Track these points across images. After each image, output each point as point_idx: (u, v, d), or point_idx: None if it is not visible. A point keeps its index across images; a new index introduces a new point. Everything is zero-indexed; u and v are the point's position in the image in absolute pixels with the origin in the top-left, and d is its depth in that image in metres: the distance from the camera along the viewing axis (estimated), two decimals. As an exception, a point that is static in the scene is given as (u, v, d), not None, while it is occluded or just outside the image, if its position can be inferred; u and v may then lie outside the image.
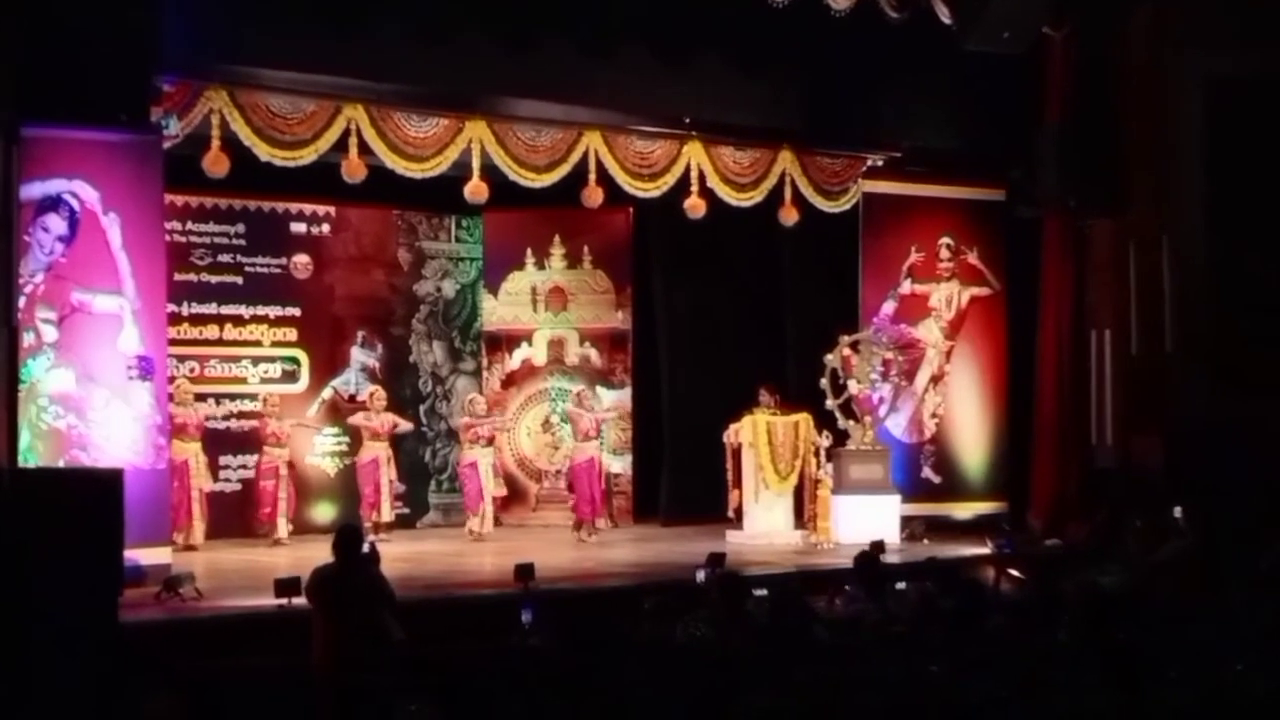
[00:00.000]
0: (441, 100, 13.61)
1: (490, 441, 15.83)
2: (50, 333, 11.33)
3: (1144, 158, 14.94)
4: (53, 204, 11.36)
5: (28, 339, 11.04)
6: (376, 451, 15.44)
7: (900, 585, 10.34)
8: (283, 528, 14.85)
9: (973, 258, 16.15)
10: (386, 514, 15.34)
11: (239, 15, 11.90)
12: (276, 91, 12.84)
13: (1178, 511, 11.75)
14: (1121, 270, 15.05)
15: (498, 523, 15.94)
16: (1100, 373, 15.38)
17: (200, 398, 15.02)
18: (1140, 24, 14.85)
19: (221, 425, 15.35)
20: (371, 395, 15.73)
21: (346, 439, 16.21)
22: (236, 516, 15.37)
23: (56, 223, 11.38)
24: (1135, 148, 14.95)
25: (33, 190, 11.10)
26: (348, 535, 8.99)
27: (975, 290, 16.17)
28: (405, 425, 15.97)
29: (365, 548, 9.17)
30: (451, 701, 6.76)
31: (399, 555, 12.94)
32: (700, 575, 11.28)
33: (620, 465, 16.79)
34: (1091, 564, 11.39)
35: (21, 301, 10.77)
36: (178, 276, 14.74)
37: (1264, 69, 14.41)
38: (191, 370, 15.31)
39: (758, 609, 8.82)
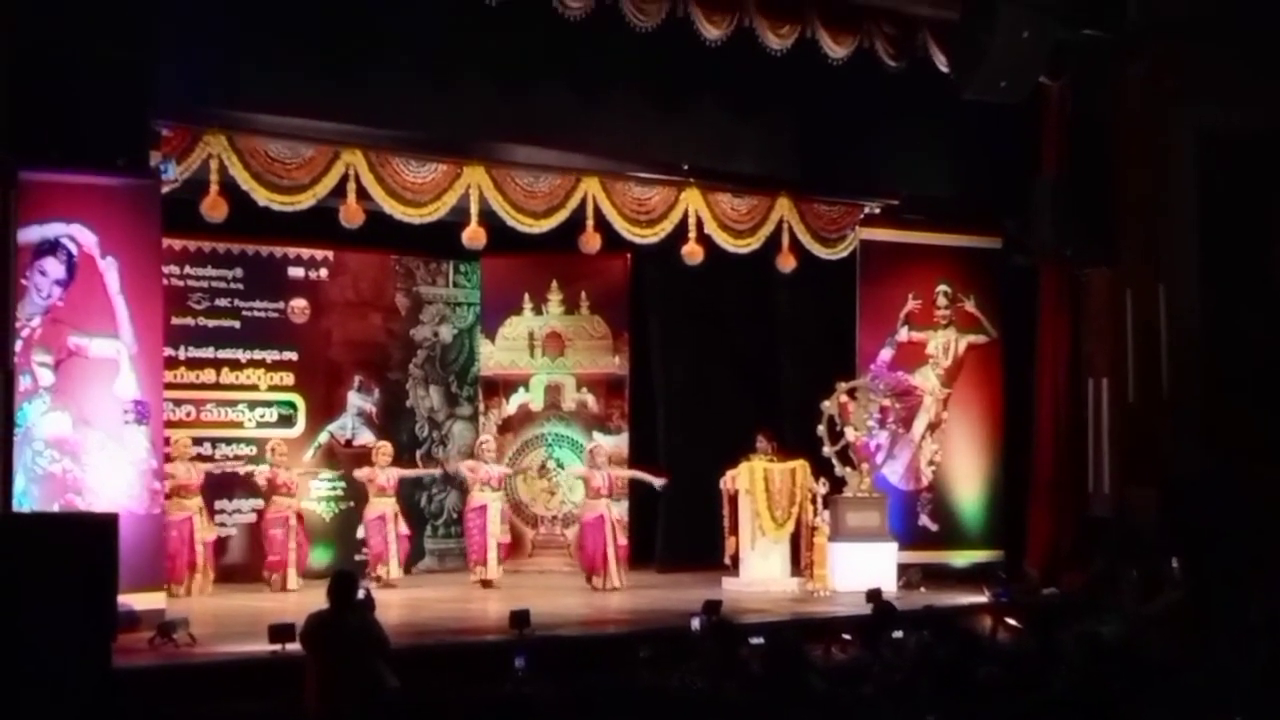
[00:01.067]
0: (439, 146, 13.65)
1: (499, 485, 15.79)
2: (46, 376, 11.31)
3: (1139, 209, 14.96)
4: (50, 248, 11.36)
5: (24, 382, 11.03)
6: (384, 508, 15.39)
7: (897, 634, 10.31)
8: (293, 578, 14.77)
9: (970, 305, 16.15)
10: (395, 571, 15.27)
11: (237, 60, 11.96)
12: (275, 136, 12.89)
13: (1174, 562, 11.74)
14: (1118, 319, 15.04)
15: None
16: (1097, 421, 15.35)
17: (198, 446, 15.00)
18: (1135, 77, 14.90)
19: (217, 469, 15.25)
20: (377, 450, 15.65)
21: (343, 484, 16.18)
22: (235, 562, 15.34)
23: (54, 266, 11.39)
24: (1130, 199, 14.97)
25: (30, 234, 11.12)
26: (342, 581, 8.95)
27: (972, 338, 16.17)
28: (416, 472, 16.01)
29: (360, 594, 9.13)
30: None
31: (394, 602, 12.90)
32: (695, 623, 11.25)
33: (617, 511, 16.77)
34: (1088, 614, 11.37)
35: (18, 345, 10.77)
36: (175, 320, 14.73)
37: (1256, 125, 14.46)
38: (188, 414, 15.29)
39: (753, 657, 8.80)
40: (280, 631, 10.00)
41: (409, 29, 12.44)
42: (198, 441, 15.04)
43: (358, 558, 15.44)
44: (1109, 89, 15.09)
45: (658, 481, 16.01)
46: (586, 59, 13.29)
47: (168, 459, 13.62)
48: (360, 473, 15.61)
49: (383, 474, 15.46)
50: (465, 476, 15.98)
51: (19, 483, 10.90)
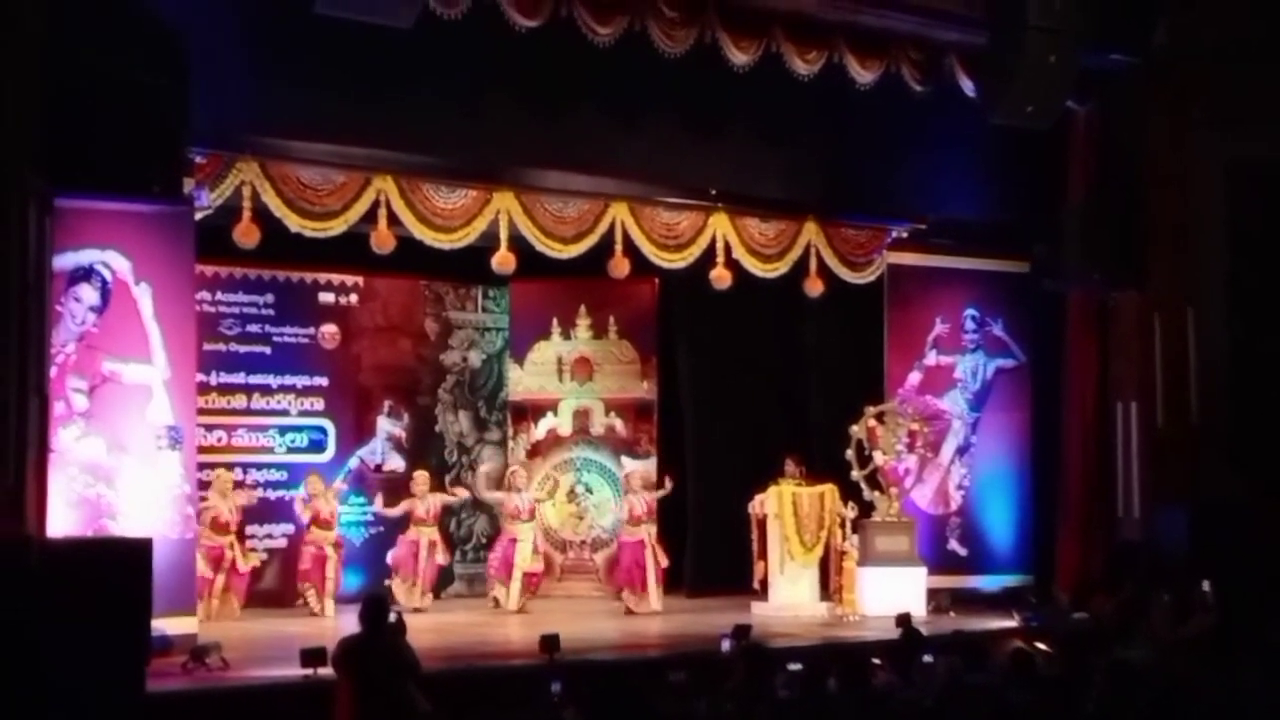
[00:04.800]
0: (470, 171, 13.72)
1: (531, 516, 15.83)
2: (81, 402, 11.42)
3: (1167, 233, 14.94)
4: (85, 274, 11.50)
5: (59, 408, 11.11)
6: (421, 535, 15.49)
7: (927, 658, 10.30)
8: (329, 607, 14.85)
9: (998, 329, 16.15)
10: (420, 598, 15.35)
11: (270, 88, 12.04)
12: (307, 163, 12.99)
13: (1205, 586, 11.70)
14: (1147, 343, 15.02)
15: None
16: (1126, 445, 15.31)
17: (230, 471, 15.10)
18: (1163, 102, 14.91)
19: (249, 501, 15.26)
20: (414, 480, 15.74)
21: (372, 509, 16.25)
22: (266, 587, 15.43)
23: (89, 293, 11.50)
24: (1159, 223, 14.95)
25: (65, 260, 11.23)
26: (375, 605, 9.00)
27: (1001, 362, 16.16)
28: (453, 498, 16.09)
29: (392, 618, 9.17)
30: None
31: (424, 626, 12.93)
32: (725, 645, 11.28)
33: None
34: (1118, 639, 11.33)
35: (53, 371, 10.84)
36: (206, 346, 14.83)
37: (1283, 152, 14.49)
38: (219, 439, 15.40)
39: (787, 683, 8.80)
40: (312, 656, 10.02)
41: (440, 55, 12.50)
42: (228, 467, 15.11)
43: (388, 583, 15.47)
44: (1137, 114, 15.10)
45: (666, 485, 16.02)
46: (616, 84, 13.35)
47: (203, 485, 13.74)
48: (398, 509, 15.66)
49: (422, 504, 15.53)
50: (498, 501, 16.04)
51: (54, 507, 10.96)
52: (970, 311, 16.07)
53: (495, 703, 9.47)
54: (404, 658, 8.90)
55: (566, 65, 13.06)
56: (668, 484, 15.97)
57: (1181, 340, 14.71)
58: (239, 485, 15.10)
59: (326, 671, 9.46)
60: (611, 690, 7.21)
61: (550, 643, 11.20)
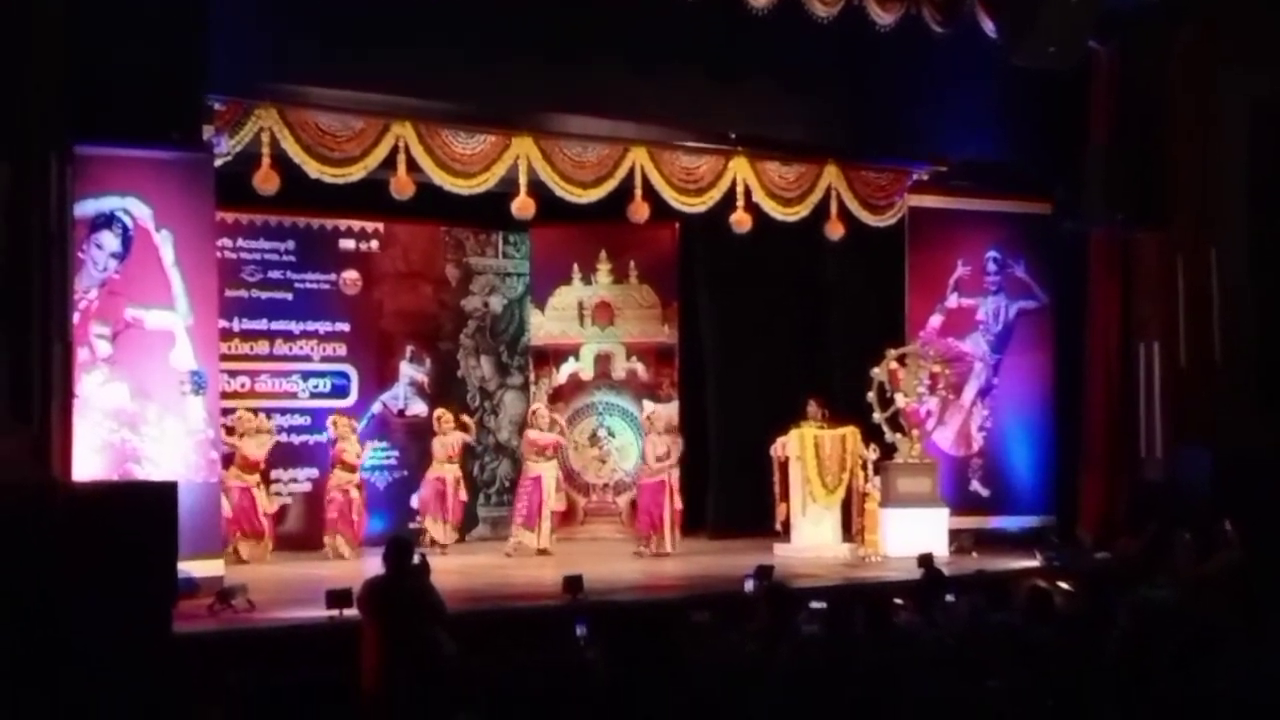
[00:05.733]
0: (489, 117, 13.71)
1: (554, 455, 15.87)
2: (104, 348, 11.48)
3: (1190, 173, 14.84)
4: (106, 221, 11.53)
5: (82, 354, 11.16)
6: (444, 472, 15.56)
7: (949, 598, 10.34)
8: (348, 548, 14.92)
9: (1020, 271, 16.11)
10: (449, 535, 15.46)
11: (288, 34, 12.04)
12: (326, 109, 12.99)
13: (1227, 524, 11.70)
14: (1169, 282, 14.98)
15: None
16: (1149, 385, 15.29)
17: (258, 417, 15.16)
18: (1185, 42, 14.80)
19: (275, 441, 15.35)
20: (439, 419, 15.79)
21: (396, 453, 16.33)
22: (291, 530, 15.52)
23: (110, 240, 11.53)
24: (1181, 163, 14.87)
25: (86, 208, 11.26)
26: (399, 546, 9.04)
27: (1022, 303, 16.12)
28: (470, 436, 16.16)
29: (416, 559, 9.21)
30: (502, 714, 6.80)
31: (448, 567, 13.00)
32: (749, 586, 11.32)
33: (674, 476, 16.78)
34: (1141, 578, 11.35)
35: (76, 318, 10.89)
36: (228, 293, 14.87)
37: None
38: (243, 385, 15.46)
39: (808, 622, 8.83)
40: (338, 597, 10.09)
41: (459, 1, 12.48)
42: (254, 412, 15.17)
43: (412, 525, 15.56)
44: (1159, 54, 14.99)
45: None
46: (635, 29, 13.30)
47: (229, 432, 13.81)
48: (434, 443, 15.72)
49: (446, 440, 15.62)
50: (524, 443, 16.10)
51: (79, 453, 11.03)
52: (992, 253, 16.03)
53: (519, 643, 9.50)
54: (428, 599, 8.94)
55: (586, 9, 13.03)
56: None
57: (1204, 280, 14.66)
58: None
59: (351, 613, 9.52)
60: (635, 631, 7.23)
61: (574, 584, 11.27)
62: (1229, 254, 14.61)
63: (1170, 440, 15.09)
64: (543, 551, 15.31)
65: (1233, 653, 7.50)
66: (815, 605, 9.76)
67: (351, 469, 15.18)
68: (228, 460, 13.91)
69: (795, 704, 6.74)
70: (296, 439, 15.78)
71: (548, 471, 15.67)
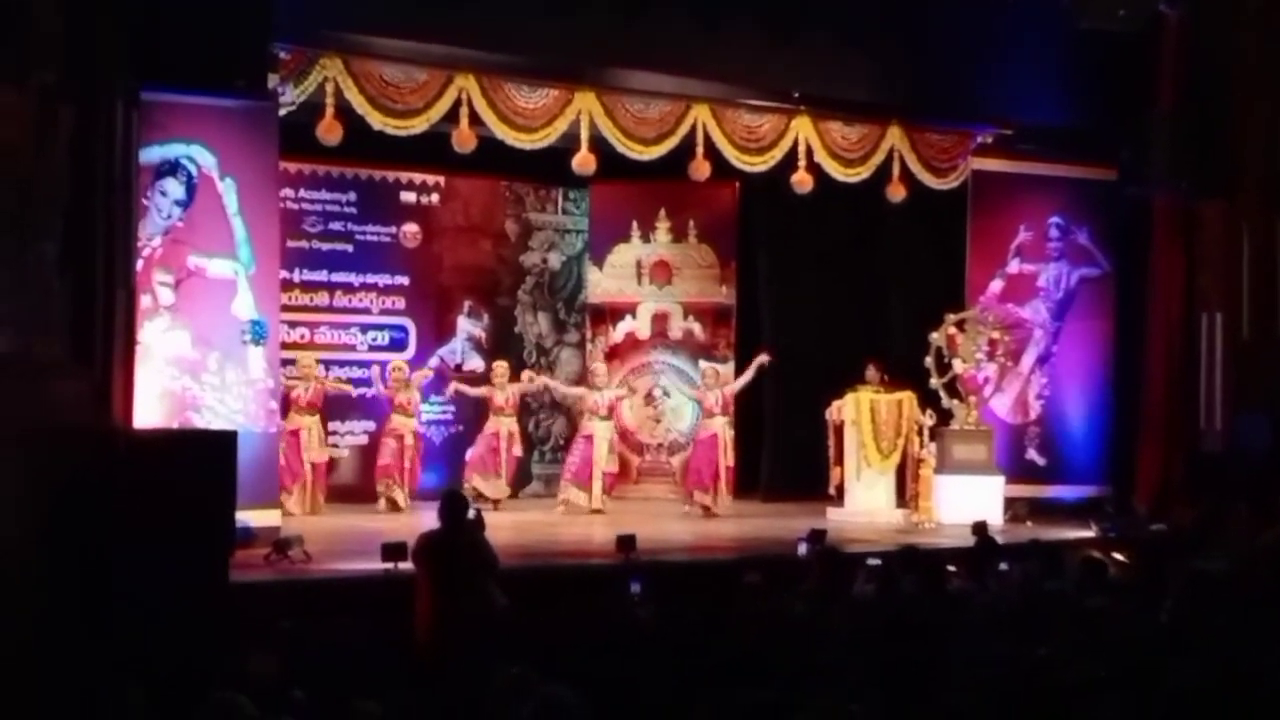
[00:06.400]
0: (552, 71, 13.66)
1: (610, 414, 15.85)
2: (167, 296, 11.55)
3: (1257, 141, 14.69)
4: (170, 168, 11.57)
5: (145, 302, 11.21)
6: (499, 425, 15.60)
7: (1003, 566, 10.31)
8: (402, 498, 15.00)
9: (1082, 238, 15.95)
10: (502, 490, 15.52)
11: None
12: (390, 60, 12.96)
13: (1287, 495, 11.63)
14: (1233, 252, 14.84)
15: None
16: (1210, 356, 15.17)
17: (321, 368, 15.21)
18: (1255, 7, 14.61)
19: (336, 391, 15.42)
20: (494, 370, 15.83)
21: (452, 408, 16.39)
22: (346, 483, 15.60)
23: (174, 187, 11.58)
24: (1248, 131, 14.71)
25: (151, 154, 11.26)
26: (454, 501, 9.07)
27: (1084, 271, 15.97)
28: (531, 385, 16.15)
29: (471, 514, 9.25)
30: (553, 668, 6.83)
31: (501, 524, 13.05)
32: (802, 549, 11.32)
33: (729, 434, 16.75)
34: (1196, 549, 11.29)
35: (139, 265, 10.94)
36: (289, 243, 14.93)
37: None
38: (302, 336, 15.54)
39: (863, 585, 8.84)
40: (393, 550, 10.13)
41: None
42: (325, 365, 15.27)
43: (466, 483, 15.59)
44: (1228, 19, 14.81)
45: (763, 359, 15.88)
46: (699, -14, 13.25)
47: (289, 379, 13.88)
48: (477, 390, 15.76)
49: (500, 393, 15.62)
50: (576, 402, 16.12)
51: (140, 400, 11.10)
52: (1055, 219, 15.88)
53: (572, 601, 9.54)
54: (483, 554, 8.96)
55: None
56: (764, 357, 15.86)
57: (1269, 250, 14.52)
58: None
59: (406, 566, 9.56)
60: (687, 590, 7.24)
61: (626, 543, 11.29)
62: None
63: (1229, 413, 14.97)
64: (596, 511, 15.33)
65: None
66: (871, 562, 9.77)
67: (408, 414, 15.22)
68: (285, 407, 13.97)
69: (847, 664, 6.73)
70: (354, 391, 15.82)
71: (601, 430, 15.67)
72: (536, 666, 5.94)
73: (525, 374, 16.16)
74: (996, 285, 15.71)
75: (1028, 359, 15.84)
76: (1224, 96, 14.81)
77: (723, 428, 15.53)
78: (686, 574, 11.11)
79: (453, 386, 15.97)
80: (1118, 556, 12.85)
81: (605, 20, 13.02)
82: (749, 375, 15.92)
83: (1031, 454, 15.78)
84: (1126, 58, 14.81)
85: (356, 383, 15.79)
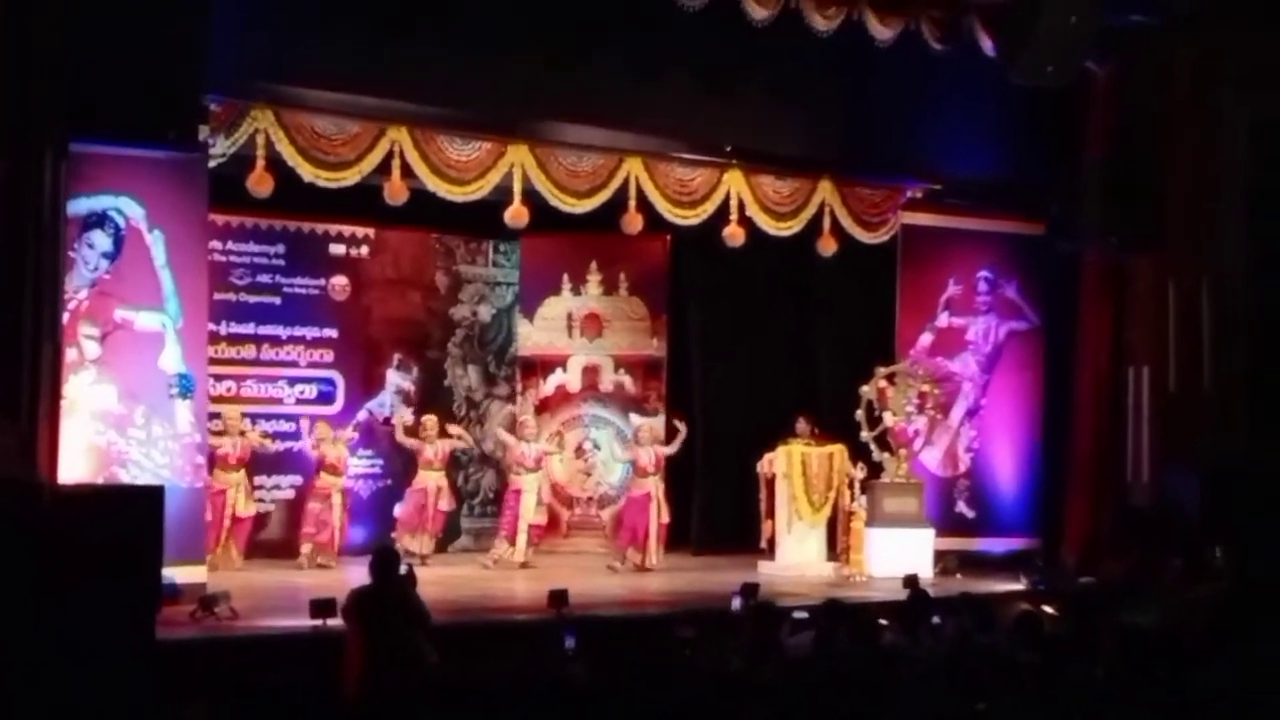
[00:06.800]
0: (485, 124, 13.63)
1: (538, 466, 15.78)
2: (93, 349, 11.39)
3: (1186, 195, 14.87)
4: (98, 220, 11.45)
5: (71, 355, 11.05)
6: (429, 481, 15.51)
7: (935, 620, 10.30)
8: (326, 559, 14.85)
9: (1011, 292, 16.10)
10: (427, 546, 15.40)
11: (286, 36, 11.98)
12: (321, 112, 12.90)
13: (1218, 552, 11.69)
14: (1161, 307, 14.99)
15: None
16: (1137, 409, 15.30)
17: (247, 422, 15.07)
18: (1185, 62, 14.82)
19: (263, 448, 15.20)
20: (422, 424, 15.73)
21: (380, 462, 16.27)
22: (272, 538, 15.43)
23: (101, 239, 11.46)
24: (1177, 185, 14.88)
25: (79, 206, 11.15)
26: (385, 556, 9.03)
27: (1013, 324, 16.11)
28: (460, 444, 16.04)
29: (402, 569, 9.17)
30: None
31: (430, 579, 12.94)
32: (735, 603, 11.28)
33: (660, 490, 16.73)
34: (1126, 602, 11.33)
35: (65, 317, 10.81)
36: (217, 296, 14.69)
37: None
38: (228, 390, 15.38)
39: (795, 639, 8.80)
40: (322, 606, 10.03)
41: (456, 6, 12.46)
42: (242, 415, 15.09)
43: (394, 535, 15.45)
44: (1157, 74, 15.00)
45: (681, 428, 15.88)
46: (633, 38, 13.27)
47: (215, 434, 13.72)
48: (409, 442, 15.66)
49: (430, 447, 15.53)
50: (505, 446, 16.01)
51: (65, 454, 10.95)
52: (984, 273, 16.03)
53: (503, 656, 9.46)
54: (414, 609, 8.91)
55: (583, 17, 12.98)
56: (682, 428, 15.86)
57: (1196, 305, 14.68)
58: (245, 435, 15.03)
59: (336, 622, 9.47)
60: (620, 644, 7.19)
61: (559, 597, 11.22)
62: (1224, 277, 14.63)
63: (1157, 466, 15.09)
64: (523, 565, 15.24)
65: (1218, 679, 7.50)
66: (799, 615, 9.75)
67: (336, 472, 15.11)
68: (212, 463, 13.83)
69: (782, 718, 6.71)
70: (280, 445, 15.66)
71: (529, 483, 15.59)
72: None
73: (454, 429, 16.03)
74: (926, 339, 15.80)
75: (957, 412, 15.93)
76: (1152, 151, 14.97)
77: (655, 485, 15.49)
78: (620, 628, 11.04)
79: (399, 436, 15.81)
80: (1047, 609, 12.88)
81: (538, 73, 13.03)
82: (676, 445, 15.92)
83: (961, 507, 15.84)
84: (1056, 112, 14.95)
85: (284, 437, 15.62)
